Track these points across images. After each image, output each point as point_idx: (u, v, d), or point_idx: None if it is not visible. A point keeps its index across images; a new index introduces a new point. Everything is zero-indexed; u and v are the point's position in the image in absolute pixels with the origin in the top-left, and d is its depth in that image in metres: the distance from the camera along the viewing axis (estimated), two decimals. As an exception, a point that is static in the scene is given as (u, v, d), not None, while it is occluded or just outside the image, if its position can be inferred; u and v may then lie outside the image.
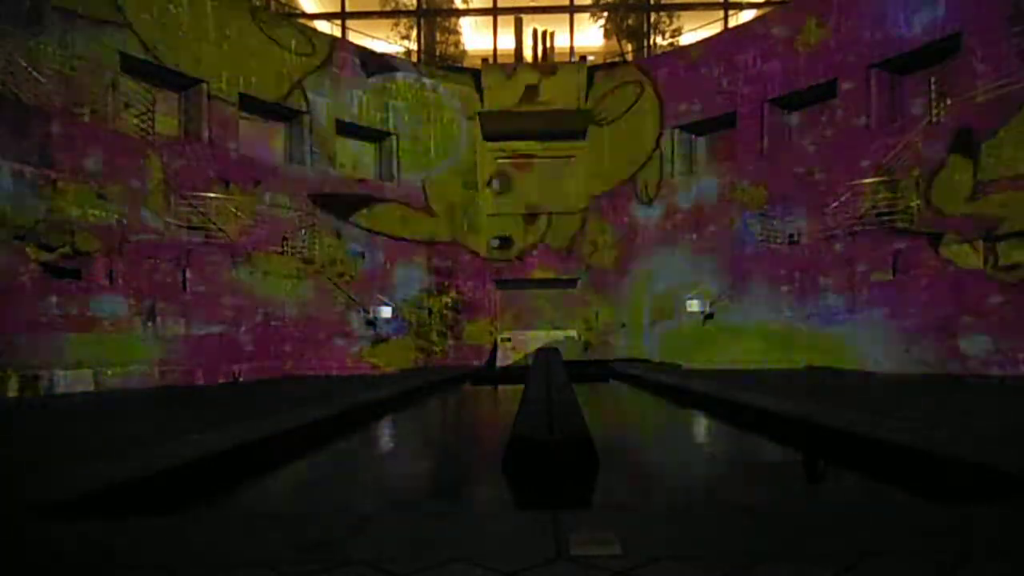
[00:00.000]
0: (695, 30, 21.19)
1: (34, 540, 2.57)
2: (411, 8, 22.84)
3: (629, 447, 6.57)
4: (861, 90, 13.54)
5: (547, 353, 16.05)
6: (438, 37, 23.15)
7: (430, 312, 17.92)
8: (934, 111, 12.53)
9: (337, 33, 21.42)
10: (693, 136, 17.46)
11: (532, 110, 18.54)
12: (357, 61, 16.78)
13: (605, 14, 22.78)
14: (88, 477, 3.56)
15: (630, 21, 22.39)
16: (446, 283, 18.20)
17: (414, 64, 18.89)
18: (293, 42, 15.45)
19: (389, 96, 17.35)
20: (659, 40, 22.05)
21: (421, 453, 6.52)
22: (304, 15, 22.81)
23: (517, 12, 22.38)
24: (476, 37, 24.10)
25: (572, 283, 19.18)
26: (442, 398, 11.40)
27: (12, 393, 9.73)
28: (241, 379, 13.15)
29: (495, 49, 22.77)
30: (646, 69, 18.22)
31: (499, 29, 23.18)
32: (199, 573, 2.13)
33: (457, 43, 23.39)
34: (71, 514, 3.07)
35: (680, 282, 16.72)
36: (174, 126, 13.44)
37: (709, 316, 16.15)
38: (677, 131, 17.32)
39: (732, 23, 21.04)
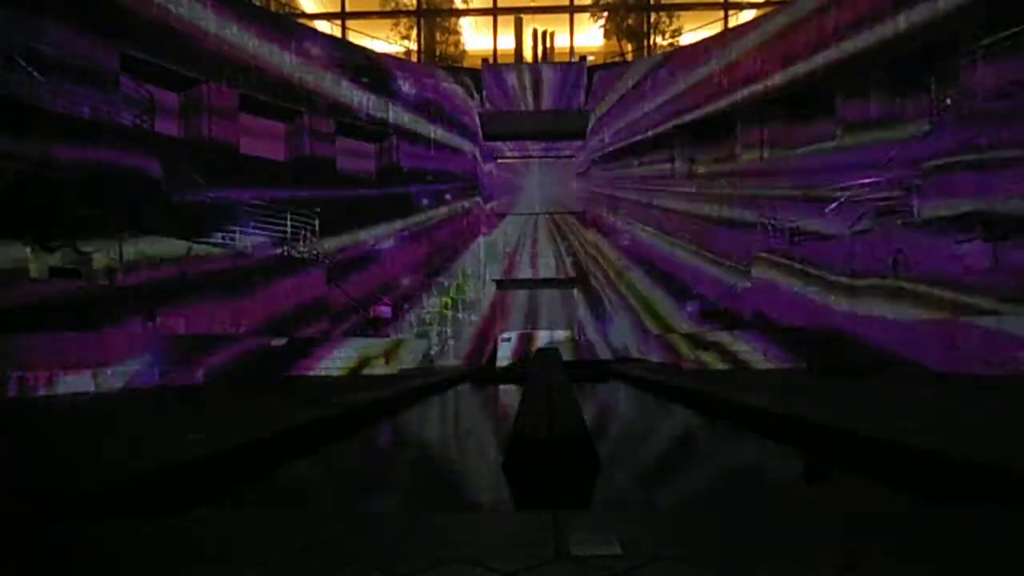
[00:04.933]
0: (695, 30, 21.17)
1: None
2: (411, 8, 22.83)
3: (627, 442, 6.56)
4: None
5: (547, 353, 16.03)
6: (438, 37, 23.15)
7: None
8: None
9: (337, 33, 21.40)
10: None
11: (532, 110, 18.53)
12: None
13: (605, 14, 22.78)
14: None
15: (630, 21, 22.39)
16: (446, 283, 18.20)
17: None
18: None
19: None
20: (659, 40, 22.06)
21: (421, 452, 6.51)
22: (304, 15, 22.80)
23: (517, 12, 22.38)
24: (476, 37, 24.09)
25: (571, 283, 19.17)
26: (442, 398, 11.40)
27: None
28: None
29: (495, 49, 22.76)
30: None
31: (499, 29, 23.17)
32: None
33: (457, 43, 23.39)
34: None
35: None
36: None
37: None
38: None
39: (732, 23, 21.03)
